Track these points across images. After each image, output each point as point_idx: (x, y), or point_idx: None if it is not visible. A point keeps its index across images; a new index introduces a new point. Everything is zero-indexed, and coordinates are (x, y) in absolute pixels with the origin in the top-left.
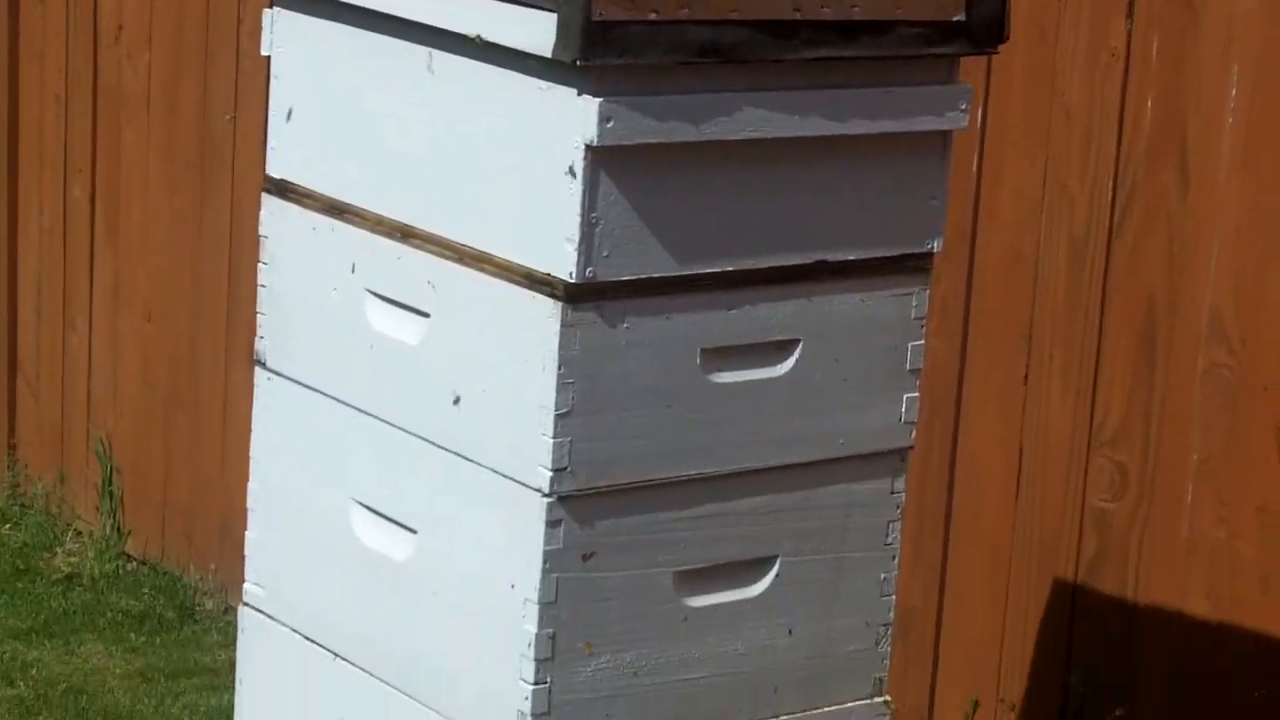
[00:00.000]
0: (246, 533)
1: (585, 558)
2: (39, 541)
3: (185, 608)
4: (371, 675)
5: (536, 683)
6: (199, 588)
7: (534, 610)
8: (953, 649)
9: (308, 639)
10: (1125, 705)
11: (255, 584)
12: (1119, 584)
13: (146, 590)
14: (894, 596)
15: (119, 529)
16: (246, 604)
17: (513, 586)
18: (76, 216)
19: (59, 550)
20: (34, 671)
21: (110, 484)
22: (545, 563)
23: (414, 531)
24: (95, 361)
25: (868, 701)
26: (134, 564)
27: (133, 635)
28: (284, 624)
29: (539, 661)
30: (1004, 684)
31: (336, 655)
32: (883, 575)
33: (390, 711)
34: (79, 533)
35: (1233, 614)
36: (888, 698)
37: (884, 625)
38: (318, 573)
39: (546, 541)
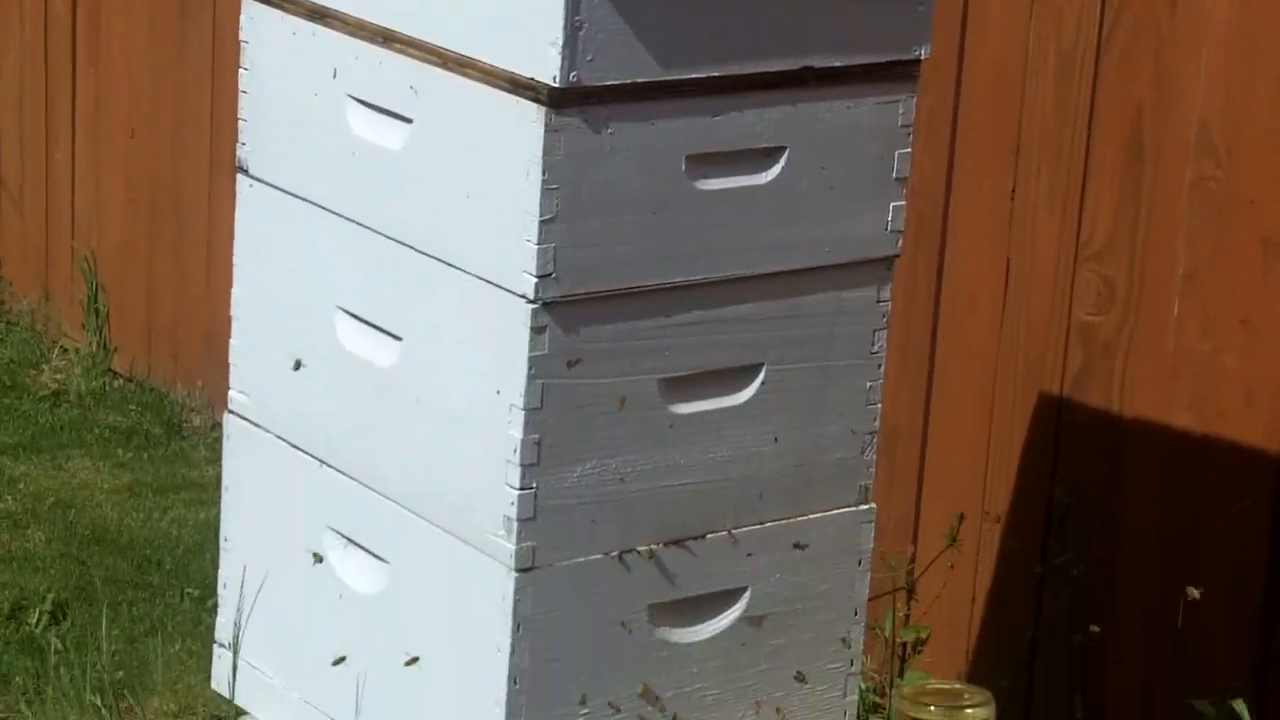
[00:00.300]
0: (231, 340)
1: (571, 364)
2: (25, 358)
3: (172, 424)
4: (357, 482)
5: (522, 488)
6: (185, 404)
7: (520, 416)
8: (938, 463)
9: (293, 446)
10: (1109, 518)
11: (240, 391)
12: (1104, 398)
13: (133, 407)
14: (880, 405)
15: (105, 346)
16: (231, 411)
17: (498, 392)
18: (58, 30)
19: (45, 367)
20: (22, 486)
21: (96, 301)
22: (531, 369)
23: (399, 339)
24: (79, 177)
25: (853, 509)
26: (120, 381)
27: (120, 451)
28: (269, 431)
29: (525, 467)
30: (989, 497)
31: (322, 462)
32: (869, 384)
33: (376, 518)
34: (65, 350)
35: (1217, 427)
36: (873, 505)
37: (869, 433)
38: (303, 380)
39: (532, 348)
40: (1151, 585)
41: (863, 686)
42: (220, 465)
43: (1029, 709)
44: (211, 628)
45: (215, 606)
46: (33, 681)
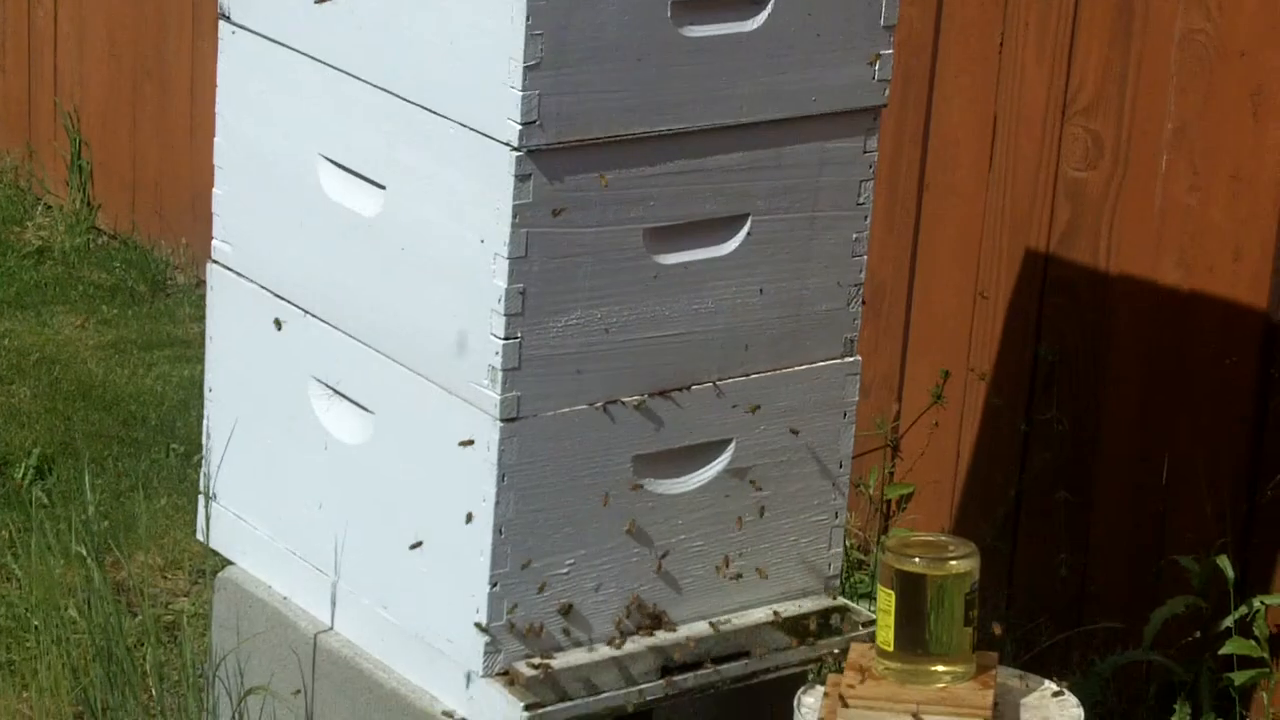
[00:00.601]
0: (214, 190)
1: (555, 213)
2: (9, 215)
3: (156, 281)
4: (341, 332)
5: (507, 338)
6: (170, 262)
7: (504, 265)
8: (923, 321)
9: (277, 296)
10: (1095, 375)
11: (223, 241)
12: (1091, 254)
13: (118, 264)
14: (865, 257)
15: (89, 203)
16: (215, 261)
17: (482, 241)
18: None
19: (29, 224)
20: (6, 342)
21: (79, 158)
22: (515, 217)
23: (382, 187)
24: (61, 34)
25: (839, 361)
26: (104, 238)
27: (104, 308)
28: (253, 281)
29: (509, 316)
30: (974, 355)
31: (306, 312)
32: (854, 235)
33: (359, 367)
34: (49, 207)
35: (1205, 282)
36: (858, 358)
37: (855, 286)
38: (286, 229)
39: (516, 196)
40: (1137, 442)
41: (847, 543)
42: (206, 322)
43: (1013, 567)
44: (197, 484)
45: (200, 462)
46: (18, 535)
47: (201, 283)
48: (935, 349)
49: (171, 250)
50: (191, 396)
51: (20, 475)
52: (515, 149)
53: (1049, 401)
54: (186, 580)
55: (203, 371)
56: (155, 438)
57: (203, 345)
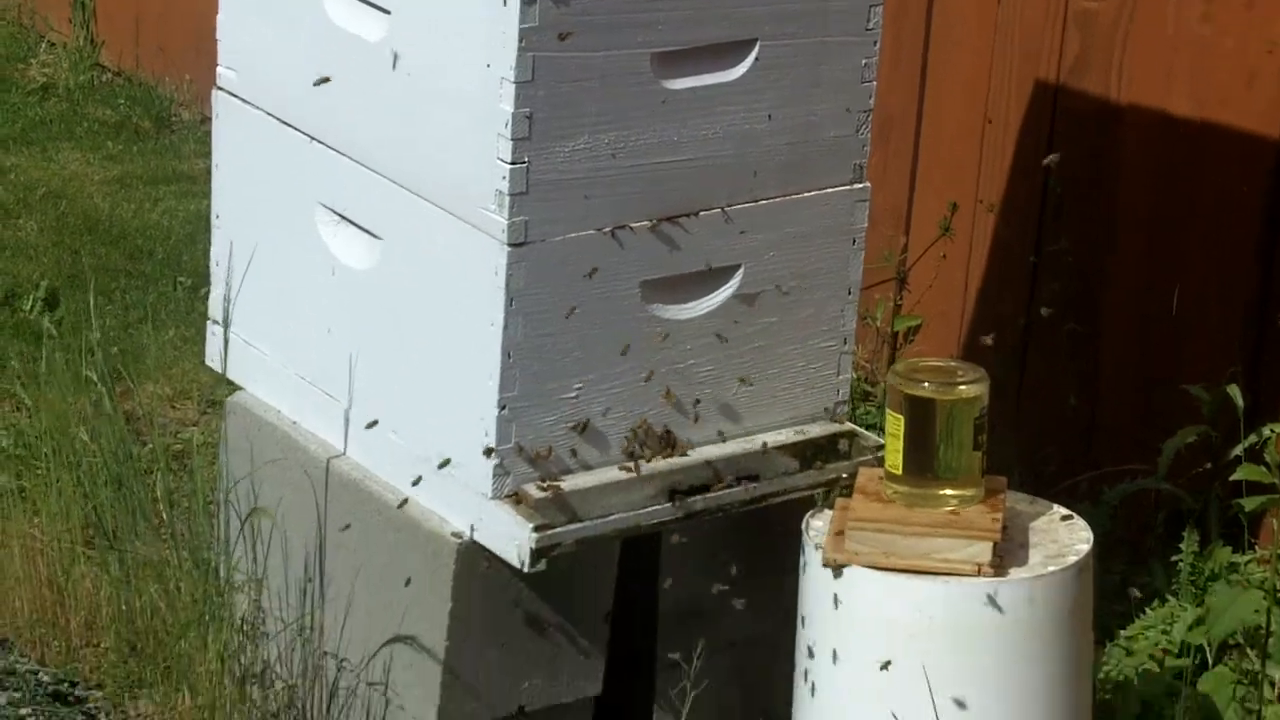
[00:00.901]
0: (218, 15)
1: (562, 37)
2: (12, 53)
3: (161, 118)
4: (347, 158)
5: (514, 162)
6: (175, 99)
7: (510, 90)
8: (932, 153)
9: (283, 122)
10: (1105, 207)
11: (228, 68)
12: (1102, 85)
13: (122, 101)
14: (874, 83)
15: (93, 40)
16: (220, 88)
17: (488, 66)
18: None
19: (33, 61)
20: (13, 176)
21: None
22: (521, 41)
23: (387, 11)
24: None
25: (848, 188)
26: (109, 75)
27: (109, 144)
28: (258, 107)
29: (516, 141)
30: (983, 186)
31: (312, 138)
32: (864, 61)
33: (366, 194)
34: (53, 44)
35: (1216, 112)
36: (867, 184)
37: (864, 111)
38: (291, 55)
39: (522, 19)
40: (1146, 273)
41: (854, 374)
42: (211, 160)
43: (1020, 399)
44: (204, 315)
45: (208, 294)
46: (28, 365)
47: (206, 119)
48: (943, 180)
49: (175, 87)
50: (198, 231)
51: (29, 307)
52: None
53: (1059, 233)
54: (195, 410)
55: (209, 203)
56: (162, 271)
57: (208, 181)
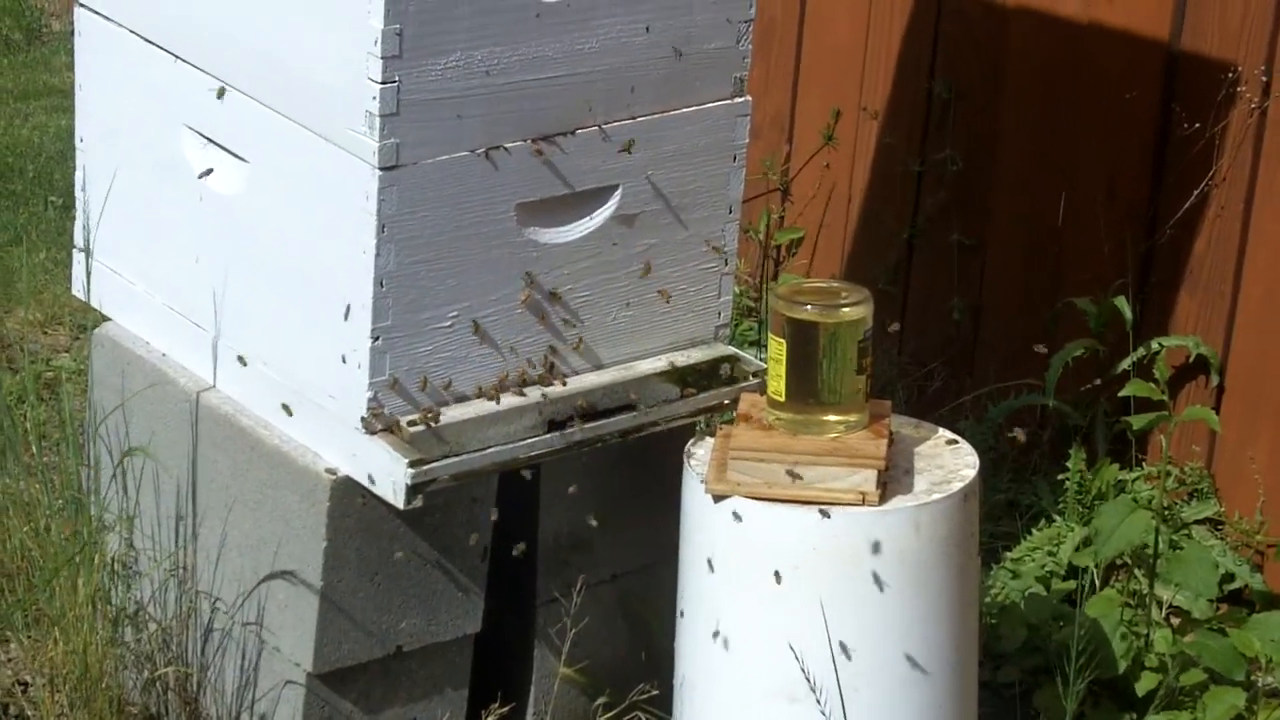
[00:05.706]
0: None
1: None
2: None
3: (31, 29)
4: (214, 77)
5: (384, 82)
6: (45, 8)
7: (380, 5)
8: (814, 59)
9: (147, 41)
10: (990, 114)
11: None
12: None
13: None
14: None
15: None
16: (82, 4)
17: None
18: None
19: None
20: None
21: None
22: None
23: None
24: None
25: (728, 101)
26: None
27: None
28: (122, 25)
29: (386, 59)
30: (866, 93)
31: (178, 58)
32: None
33: (236, 115)
34: None
35: (1105, 13)
36: (748, 98)
37: (745, 22)
38: None
39: None
40: (1032, 182)
41: (736, 290)
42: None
43: (905, 311)
44: (74, 237)
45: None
46: None
47: None
48: (826, 87)
49: None
50: (69, 148)
51: None
52: None
53: (943, 141)
54: (68, 336)
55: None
56: (33, 190)
57: None
